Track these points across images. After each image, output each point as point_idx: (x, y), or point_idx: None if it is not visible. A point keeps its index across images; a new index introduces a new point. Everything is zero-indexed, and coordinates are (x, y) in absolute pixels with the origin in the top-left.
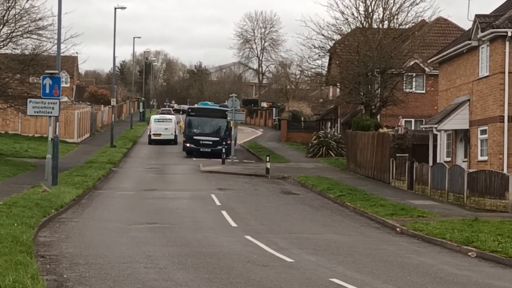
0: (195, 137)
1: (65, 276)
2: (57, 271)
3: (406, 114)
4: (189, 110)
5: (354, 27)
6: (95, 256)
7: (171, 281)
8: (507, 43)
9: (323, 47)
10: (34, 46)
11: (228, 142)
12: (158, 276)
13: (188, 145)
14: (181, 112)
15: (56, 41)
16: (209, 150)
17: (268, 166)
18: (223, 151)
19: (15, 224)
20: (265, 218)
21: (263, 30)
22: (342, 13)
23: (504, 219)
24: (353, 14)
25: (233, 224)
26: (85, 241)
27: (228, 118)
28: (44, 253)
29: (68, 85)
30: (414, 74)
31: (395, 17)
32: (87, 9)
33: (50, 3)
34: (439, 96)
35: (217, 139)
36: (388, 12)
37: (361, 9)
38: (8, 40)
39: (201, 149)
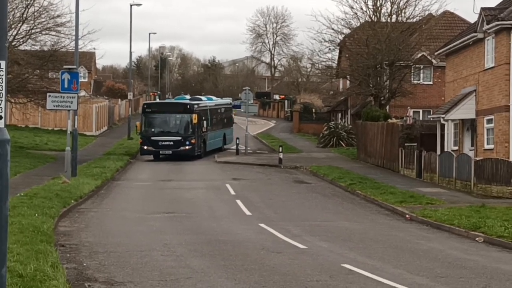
0: (153, 138)
1: (84, 264)
2: (77, 260)
3: (414, 105)
4: (145, 106)
5: (363, 21)
6: (114, 244)
7: (188, 268)
8: None
9: (333, 41)
10: (52, 43)
11: (192, 141)
12: (175, 264)
13: (145, 147)
14: None
15: (74, 37)
16: (171, 152)
17: (281, 156)
18: (193, 149)
19: (36, 215)
20: (278, 206)
21: (275, 25)
22: (351, 7)
23: (510, 205)
24: (362, 8)
25: (248, 213)
26: (104, 230)
27: (190, 114)
28: (64, 242)
29: (86, 79)
30: (421, 66)
31: (403, 11)
32: (104, 6)
33: (68, 1)
34: (446, 87)
35: (179, 138)
36: (396, 6)
37: (370, 3)
38: (28, 37)
39: (161, 152)
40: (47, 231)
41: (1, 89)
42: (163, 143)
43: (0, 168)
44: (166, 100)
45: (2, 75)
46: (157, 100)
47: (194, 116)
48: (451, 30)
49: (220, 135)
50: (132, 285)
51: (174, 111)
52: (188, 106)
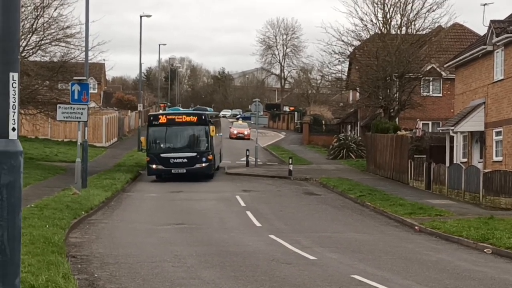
0: (163, 155)
1: (96, 275)
2: (88, 271)
3: (423, 117)
4: (151, 118)
5: (373, 33)
6: (124, 255)
7: (198, 279)
8: None
9: (343, 53)
10: (62, 54)
11: (209, 157)
12: (186, 275)
13: (154, 166)
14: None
15: (83, 49)
16: (184, 170)
17: (291, 168)
18: (214, 166)
19: (47, 226)
20: (288, 218)
21: (284, 36)
22: (361, 19)
23: None
24: (371, 20)
25: (258, 224)
26: (114, 242)
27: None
28: (75, 253)
29: (96, 91)
30: (431, 78)
31: (413, 23)
32: (114, 19)
33: (78, 12)
34: (456, 99)
35: (194, 154)
36: (405, 19)
37: (380, 15)
38: (37, 48)
39: (173, 171)
40: (58, 242)
41: (14, 101)
42: (175, 160)
43: (14, 179)
44: (176, 110)
45: (15, 87)
46: (167, 110)
47: (212, 128)
48: (461, 42)
49: (218, 150)
50: None
51: (186, 122)
52: (203, 117)
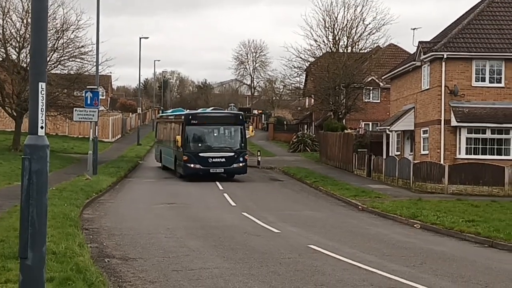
0: (201, 155)
1: (104, 244)
2: (98, 240)
3: (365, 118)
4: (190, 117)
5: (324, 52)
6: (127, 228)
7: (186, 247)
8: (443, 63)
9: (300, 67)
10: (77, 67)
11: (246, 157)
12: (176, 244)
13: (191, 165)
14: None
15: (95, 63)
16: (222, 170)
17: (259, 159)
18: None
19: (65, 205)
20: (257, 199)
21: (254, 54)
22: (316, 41)
23: (441, 199)
24: (324, 41)
25: (233, 204)
26: (119, 217)
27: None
28: (87, 226)
29: (104, 97)
30: (371, 88)
31: (357, 43)
32: (119, 40)
33: (90, 34)
34: (391, 105)
35: (232, 154)
36: (351, 40)
37: (330, 37)
38: (58, 63)
39: (211, 170)
40: (74, 218)
41: (42, 105)
42: (213, 160)
43: (41, 167)
44: (214, 110)
45: (44, 94)
46: (206, 110)
47: (251, 128)
48: (395, 59)
49: None
50: (142, 260)
51: (224, 122)
52: (240, 117)
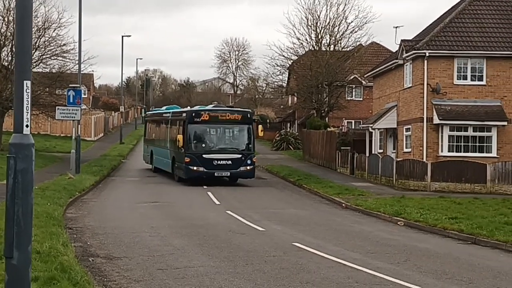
0: (205, 156)
1: (88, 243)
2: (82, 239)
3: (348, 116)
4: (193, 114)
5: (307, 50)
6: (111, 227)
7: (171, 246)
8: (425, 61)
9: (283, 65)
10: (59, 66)
11: (254, 159)
12: (161, 242)
13: (194, 168)
14: None
15: (77, 62)
16: (228, 173)
17: None
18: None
19: (48, 204)
20: (241, 197)
21: (237, 52)
22: (298, 39)
23: (424, 196)
24: (306, 40)
25: (217, 202)
26: (103, 216)
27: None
28: (71, 225)
29: (86, 96)
30: (354, 86)
31: (339, 42)
32: (101, 38)
33: (72, 32)
34: (373, 103)
35: (239, 156)
36: (333, 38)
37: (313, 36)
38: (40, 61)
39: (216, 173)
40: (57, 217)
41: (27, 103)
42: (218, 162)
43: (27, 166)
44: (220, 107)
45: (29, 92)
46: (210, 106)
47: (260, 127)
48: (377, 57)
49: None
50: (127, 259)
51: (231, 120)
52: (249, 115)
